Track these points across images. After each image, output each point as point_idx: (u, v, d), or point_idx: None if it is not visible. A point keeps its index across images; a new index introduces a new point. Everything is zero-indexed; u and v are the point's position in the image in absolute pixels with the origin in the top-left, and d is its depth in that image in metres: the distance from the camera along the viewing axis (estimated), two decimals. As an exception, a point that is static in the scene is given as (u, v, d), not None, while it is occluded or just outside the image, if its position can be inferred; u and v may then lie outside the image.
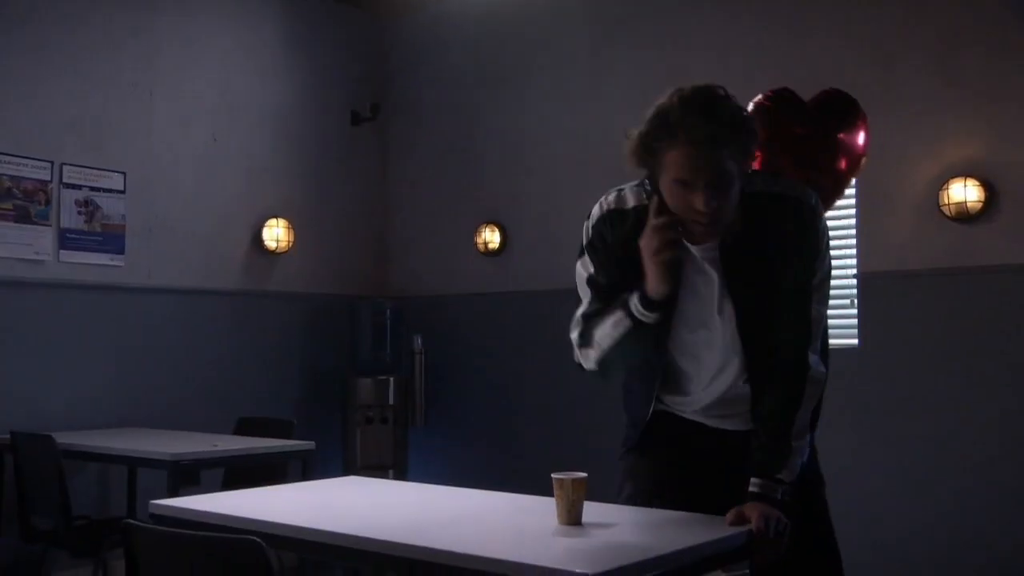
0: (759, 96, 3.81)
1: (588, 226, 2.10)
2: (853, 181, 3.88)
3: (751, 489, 1.95)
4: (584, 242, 2.10)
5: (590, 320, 2.07)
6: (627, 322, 1.99)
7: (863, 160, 3.91)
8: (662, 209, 1.92)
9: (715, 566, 2.10)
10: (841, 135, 3.76)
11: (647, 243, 1.93)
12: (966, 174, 4.04)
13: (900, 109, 4.25)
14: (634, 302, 1.98)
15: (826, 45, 4.45)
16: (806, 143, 3.74)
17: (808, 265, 1.99)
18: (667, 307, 1.99)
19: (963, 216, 4.04)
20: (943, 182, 4.09)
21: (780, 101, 3.80)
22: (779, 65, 4.46)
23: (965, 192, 4.02)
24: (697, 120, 1.81)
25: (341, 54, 5.87)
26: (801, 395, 1.98)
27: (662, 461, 2.18)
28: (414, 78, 6.01)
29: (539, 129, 5.41)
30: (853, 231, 4.38)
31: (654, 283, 1.94)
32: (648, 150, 1.89)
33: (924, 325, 4.16)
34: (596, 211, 2.09)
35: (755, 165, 3.72)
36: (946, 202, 4.07)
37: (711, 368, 2.09)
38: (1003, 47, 4.04)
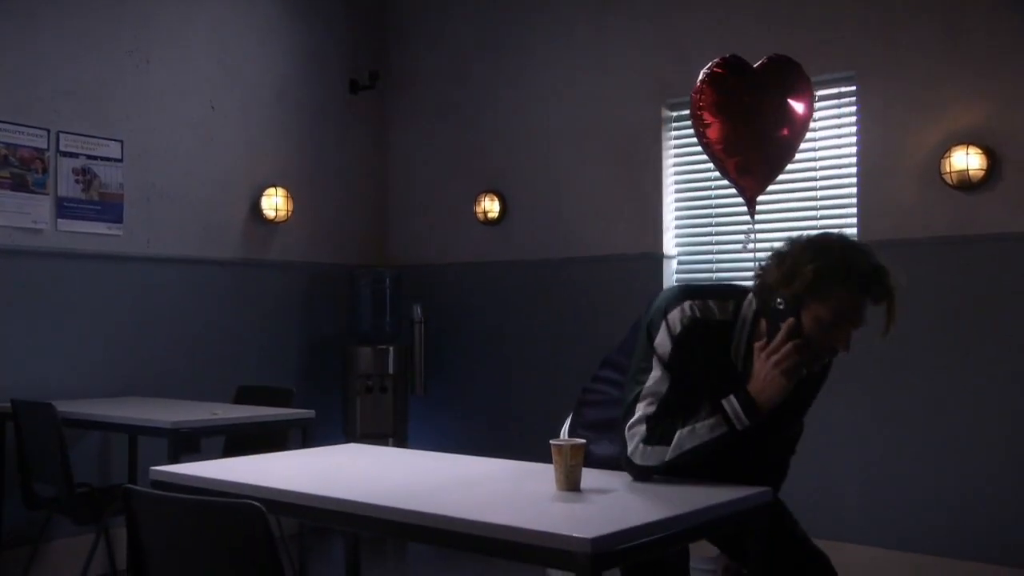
0: (710, 64, 3.81)
1: (674, 332, 2.11)
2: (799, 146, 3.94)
3: None
4: (669, 348, 2.11)
5: (661, 421, 2.08)
6: (724, 428, 2.06)
7: (808, 125, 3.92)
8: (797, 331, 2.05)
9: (712, 533, 2.11)
10: (790, 100, 3.79)
11: (777, 358, 2.04)
12: (968, 141, 4.01)
13: (902, 76, 4.22)
14: (733, 408, 2.06)
15: (828, 11, 4.40)
16: (757, 109, 3.77)
17: (821, 387, 2.35)
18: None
19: (965, 184, 4.02)
20: (945, 149, 4.07)
21: (732, 70, 3.80)
22: (780, 33, 4.42)
23: (967, 160, 4.00)
24: (873, 273, 2.05)
25: (339, 21, 5.82)
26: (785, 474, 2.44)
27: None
28: (413, 46, 5.96)
29: (539, 97, 5.37)
30: (854, 199, 4.36)
31: (772, 395, 2.06)
32: (815, 285, 2.01)
33: (924, 294, 4.15)
34: (684, 316, 2.12)
35: (712, 133, 3.79)
36: (948, 170, 4.05)
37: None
38: (1006, 14, 4.00)
